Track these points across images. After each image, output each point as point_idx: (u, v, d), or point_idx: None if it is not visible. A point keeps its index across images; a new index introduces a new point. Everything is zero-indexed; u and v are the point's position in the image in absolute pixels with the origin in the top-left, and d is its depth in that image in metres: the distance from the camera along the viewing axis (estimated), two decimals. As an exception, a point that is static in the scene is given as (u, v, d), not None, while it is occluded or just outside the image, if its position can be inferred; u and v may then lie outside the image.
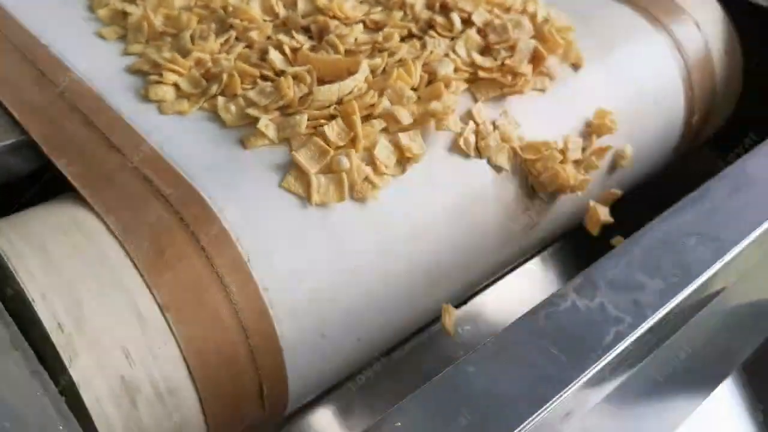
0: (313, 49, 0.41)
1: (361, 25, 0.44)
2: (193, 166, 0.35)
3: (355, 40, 0.42)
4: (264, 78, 0.39)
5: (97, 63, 0.41)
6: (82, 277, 0.29)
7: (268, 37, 0.42)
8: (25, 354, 0.27)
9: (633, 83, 0.49)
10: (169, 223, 0.32)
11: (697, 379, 0.50)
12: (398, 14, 0.45)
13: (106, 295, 0.29)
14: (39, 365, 0.27)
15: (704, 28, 0.54)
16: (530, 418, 0.28)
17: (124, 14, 0.44)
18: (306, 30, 0.44)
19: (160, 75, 0.39)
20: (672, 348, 0.41)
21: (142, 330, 0.29)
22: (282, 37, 0.42)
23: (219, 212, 0.33)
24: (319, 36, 0.43)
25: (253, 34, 0.42)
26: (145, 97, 0.38)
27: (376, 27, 0.45)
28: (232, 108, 0.37)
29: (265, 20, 0.44)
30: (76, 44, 0.42)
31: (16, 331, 0.28)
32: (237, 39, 0.42)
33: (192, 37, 0.42)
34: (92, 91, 0.39)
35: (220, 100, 0.38)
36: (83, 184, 0.33)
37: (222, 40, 0.42)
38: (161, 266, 0.30)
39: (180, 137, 0.36)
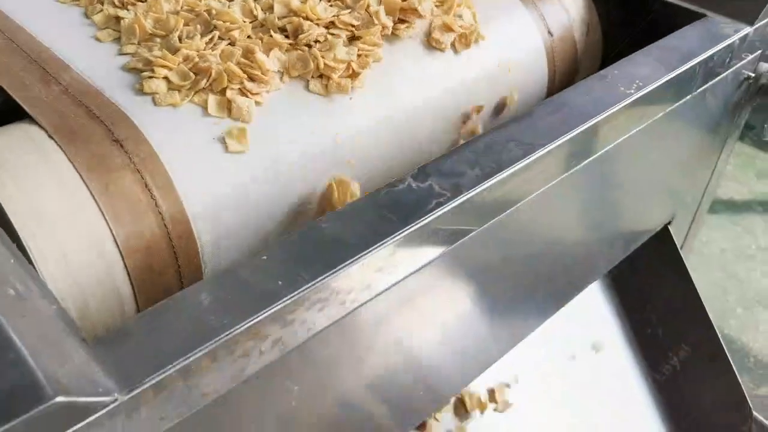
0: (289, 47, 0.46)
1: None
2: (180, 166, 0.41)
3: (334, 55, 0.48)
4: (251, 79, 0.44)
5: (95, 63, 0.46)
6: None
7: (249, 36, 0.48)
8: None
9: (502, 51, 0.56)
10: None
11: (563, 282, 0.62)
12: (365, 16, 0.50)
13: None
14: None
15: (568, 6, 0.63)
16: (363, 253, 0.38)
17: (117, 19, 0.49)
18: (282, 30, 0.49)
19: (152, 71, 0.44)
20: (528, 251, 0.54)
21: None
22: (263, 36, 0.47)
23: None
24: (294, 35, 0.48)
25: (235, 33, 0.47)
26: (140, 91, 0.43)
27: (345, 27, 0.50)
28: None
29: (244, 21, 0.49)
30: (76, 46, 0.47)
31: None
32: (220, 38, 0.47)
33: (180, 37, 0.47)
34: (93, 88, 0.43)
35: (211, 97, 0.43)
36: (88, 174, 0.38)
37: (207, 39, 0.46)
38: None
39: (174, 131, 0.42)
